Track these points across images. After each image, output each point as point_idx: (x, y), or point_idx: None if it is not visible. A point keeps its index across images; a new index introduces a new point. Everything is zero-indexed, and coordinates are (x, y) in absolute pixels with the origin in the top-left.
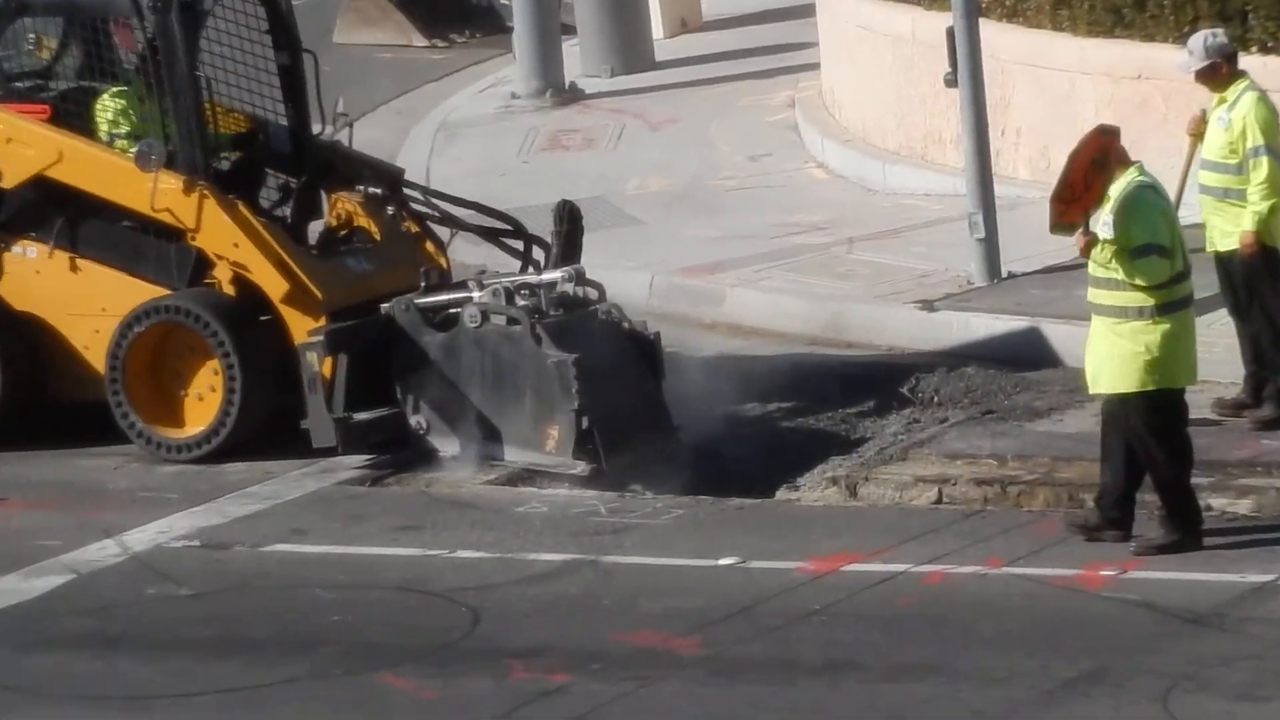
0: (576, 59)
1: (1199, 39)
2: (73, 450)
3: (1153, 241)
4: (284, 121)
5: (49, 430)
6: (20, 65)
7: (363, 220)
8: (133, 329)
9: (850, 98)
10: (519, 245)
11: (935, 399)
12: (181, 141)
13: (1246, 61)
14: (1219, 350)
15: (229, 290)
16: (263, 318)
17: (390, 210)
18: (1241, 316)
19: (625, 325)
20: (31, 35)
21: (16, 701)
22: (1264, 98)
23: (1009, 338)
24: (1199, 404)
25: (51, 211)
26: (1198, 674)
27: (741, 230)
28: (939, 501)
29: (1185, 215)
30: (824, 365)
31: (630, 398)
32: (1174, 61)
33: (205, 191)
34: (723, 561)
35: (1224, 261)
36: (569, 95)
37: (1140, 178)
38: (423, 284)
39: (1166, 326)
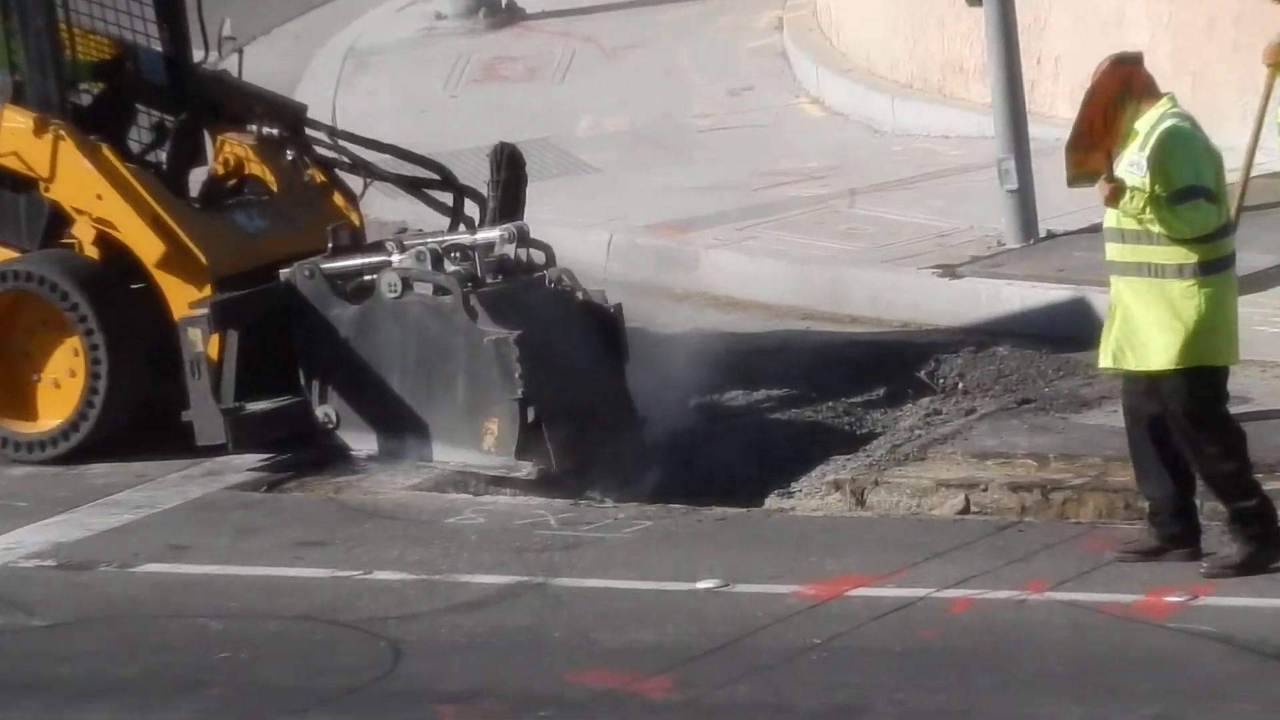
0: None
1: None
2: None
3: (1197, 184)
4: (158, 47)
5: None
6: None
7: (256, 167)
8: None
9: (851, 18)
10: (448, 198)
11: (960, 385)
12: (31, 70)
13: None
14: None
15: (91, 252)
16: (134, 286)
17: (290, 155)
18: None
19: (579, 295)
20: None
21: None
22: None
23: (1049, 310)
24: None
25: None
26: None
27: (720, 180)
28: (965, 511)
29: (1263, 163)
30: (822, 345)
31: (586, 384)
32: None
33: (61, 132)
34: (701, 585)
35: None
36: (506, 15)
37: (1175, 110)
38: (330, 245)
39: (1210, 289)
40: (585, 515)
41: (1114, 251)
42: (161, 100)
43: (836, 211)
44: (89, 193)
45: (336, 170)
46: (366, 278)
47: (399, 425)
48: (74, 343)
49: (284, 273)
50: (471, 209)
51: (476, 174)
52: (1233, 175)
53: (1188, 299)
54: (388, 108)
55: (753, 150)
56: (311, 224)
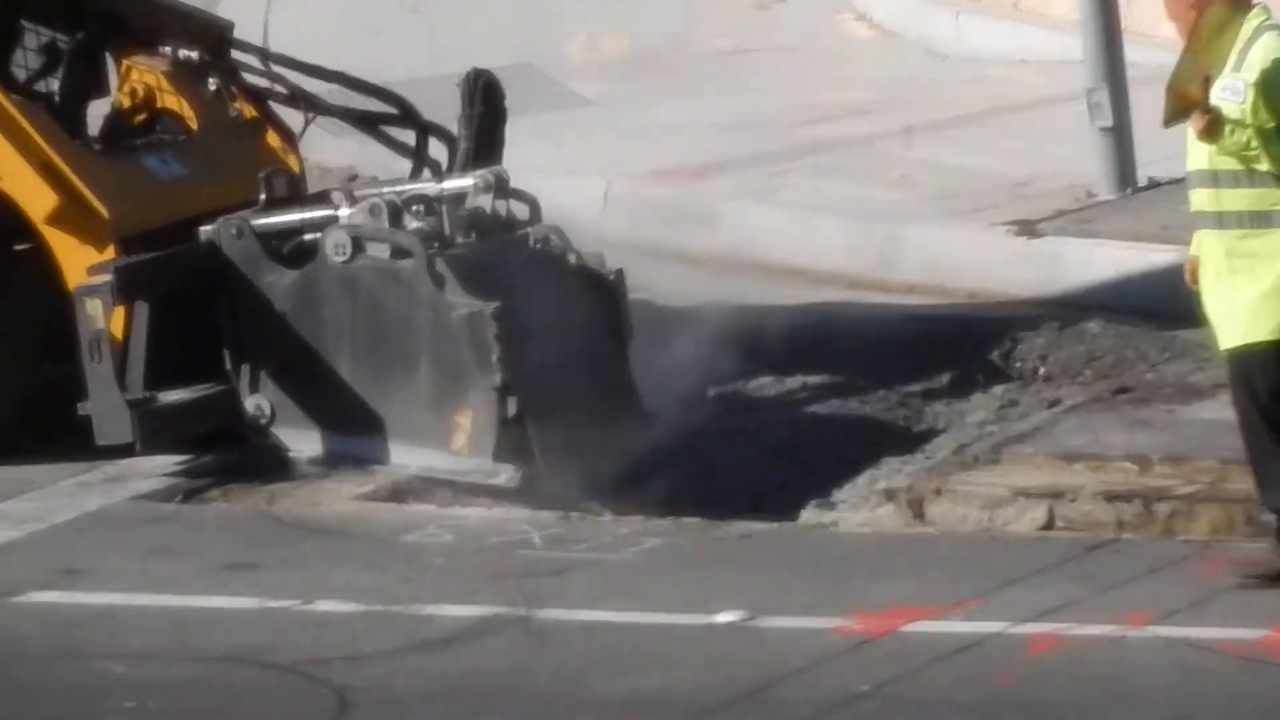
0: None
1: None
2: None
3: None
4: None
5: None
6: None
7: (171, 100)
8: None
9: None
10: (408, 137)
11: (1041, 370)
12: None
13: None
14: None
15: None
16: (18, 247)
17: (213, 85)
18: None
19: (571, 259)
20: None
21: None
22: None
23: (1150, 278)
24: None
25: None
26: None
27: (743, 115)
28: (1049, 526)
29: None
30: (872, 320)
31: (579, 369)
32: None
33: None
34: (720, 618)
35: None
36: None
37: (1270, 22)
38: (263, 196)
39: None
40: (577, 531)
41: (1203, 200)
42: (52, 16)
43: (889, 155)
44: None
45: (270, 103)
46: (308, 237)
47: (348, 420)
48: None
49: (205, 230)
50: (438, 151)
51: (444, 108)
52: None
53: None
54: (332, 27)
55: (784, 79)
56: (240, 170)
